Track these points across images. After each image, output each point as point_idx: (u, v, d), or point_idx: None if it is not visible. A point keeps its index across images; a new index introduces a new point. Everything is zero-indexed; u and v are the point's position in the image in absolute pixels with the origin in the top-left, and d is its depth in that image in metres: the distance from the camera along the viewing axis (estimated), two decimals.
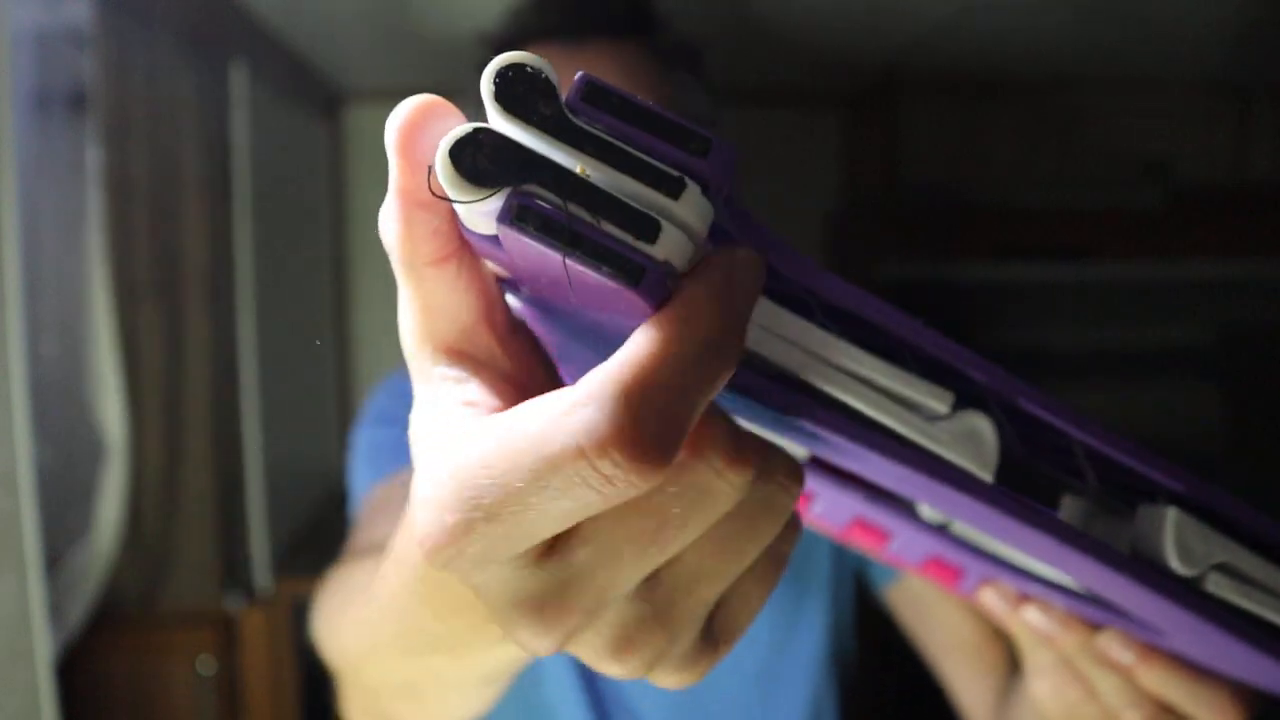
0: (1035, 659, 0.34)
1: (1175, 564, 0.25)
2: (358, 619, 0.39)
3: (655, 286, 0.17)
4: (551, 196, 0.17)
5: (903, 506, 0.22)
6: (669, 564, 0.19)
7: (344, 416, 2.47)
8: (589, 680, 0.66)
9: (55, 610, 1.37)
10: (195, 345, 1.54)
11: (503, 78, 0.17)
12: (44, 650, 1.11)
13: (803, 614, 0.71)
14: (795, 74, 2.23)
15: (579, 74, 0.18)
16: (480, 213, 0.18)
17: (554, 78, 0.17)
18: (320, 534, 2.04)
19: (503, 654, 0.31)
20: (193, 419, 1.54)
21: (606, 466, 0.16)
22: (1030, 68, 2.11)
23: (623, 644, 0.19)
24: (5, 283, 1.05)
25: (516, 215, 0.17)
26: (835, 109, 2.52)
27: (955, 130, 2.18)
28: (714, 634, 0.20)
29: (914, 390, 0.22)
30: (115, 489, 1.40)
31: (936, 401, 0.22)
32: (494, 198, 0.17)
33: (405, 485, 0.56)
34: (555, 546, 0.18)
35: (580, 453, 0.15)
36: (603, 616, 0.19)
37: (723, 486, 0.18)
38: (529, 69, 0.17)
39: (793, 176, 2.55)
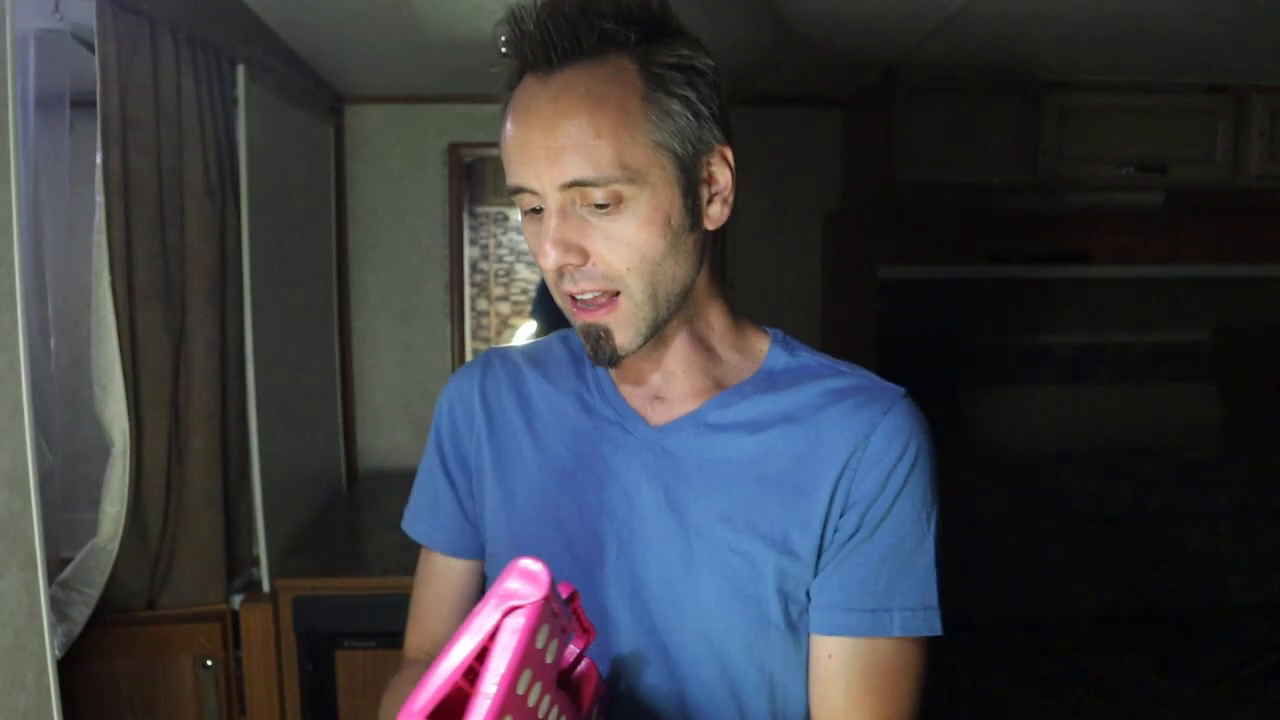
0: None
1: None
2: None
3: None
4: None
5: None
6: None
7: (345, 416, 2.48)
8: None
9: (61, 607, 1.38)
10: (198, 346, 1.55)
11: None
12: (50, 646, 1.13)
13: None
14: (796, 76, 2.24)
15: None
16: None
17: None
18: (321, 532, 2.06)
19: None
20: (196, 419, 1.55)
21: None
22: (1029, 69, 2.12)
23: None
24: (10, 284, 1.06)
25: None
26: (836, 110, 2.52)
27: (954, 131, 2.18)
28: None
29: None
30: (119, 488, 1.41)
31: None
32: None
33: (432, 571, 0.80)
34: None
35: None
36: None
37: None
38: None
39: (794, 176, 2.56)
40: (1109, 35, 1.85)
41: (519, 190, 0.67)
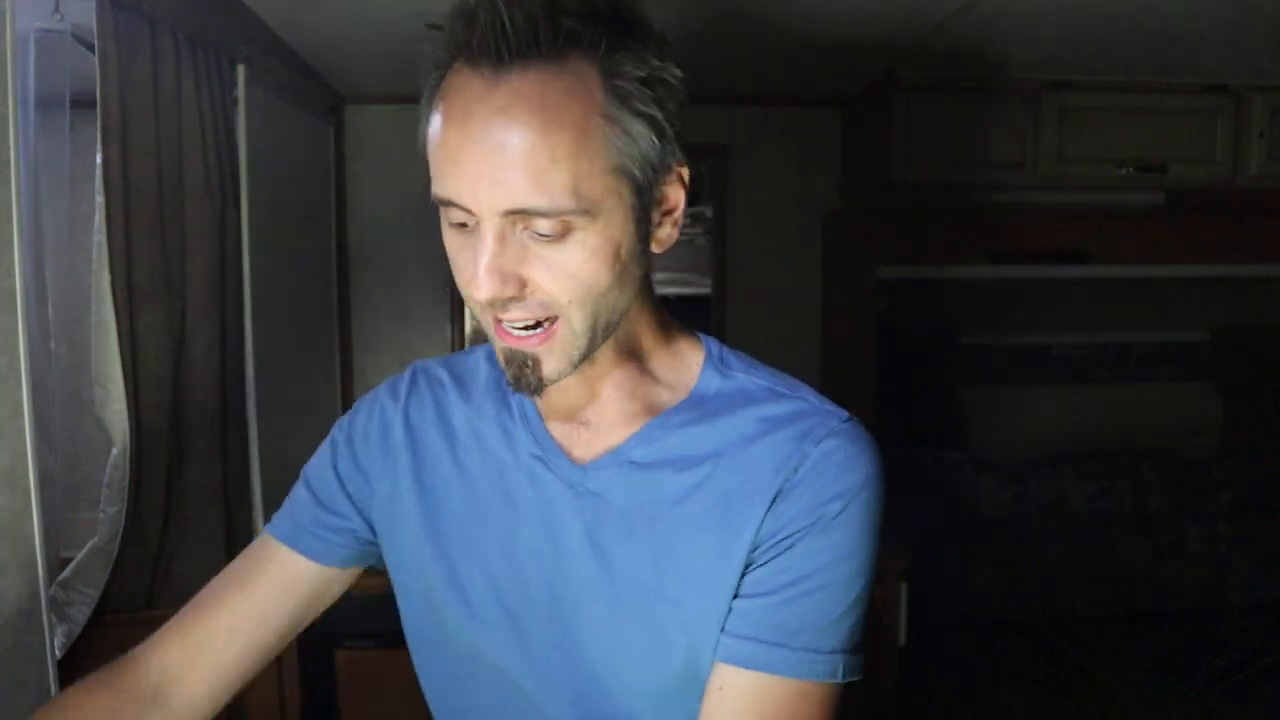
0: None
1: None
2: None
3: None
4: None
5: None
6: None
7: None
8: None
9: (61, 607, 1.39)
10: (198, 346, 1.55)
11: None
12: (50, 646, 1.13)
13: None
14: (796, 76, 2.24)
15: None
16: None
17: None
18: None
19: None
20: (196, 419, 1.55)
21: None
22: (1029, 69, 2.12)
23: None
24: (10, 284, 1.06)
25: None
26: (836, 110, 2.52)
27: (954, 131, 2.18)
28: None
29: None
30: (119, 488, 1.41)
31: None
32: None
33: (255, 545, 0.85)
34: None
35: None
36: None
37: None
38: None
39: (794, 176, 2.55)
40: (1108, 35, 1.85)
41: (448, 204, 0.59)
